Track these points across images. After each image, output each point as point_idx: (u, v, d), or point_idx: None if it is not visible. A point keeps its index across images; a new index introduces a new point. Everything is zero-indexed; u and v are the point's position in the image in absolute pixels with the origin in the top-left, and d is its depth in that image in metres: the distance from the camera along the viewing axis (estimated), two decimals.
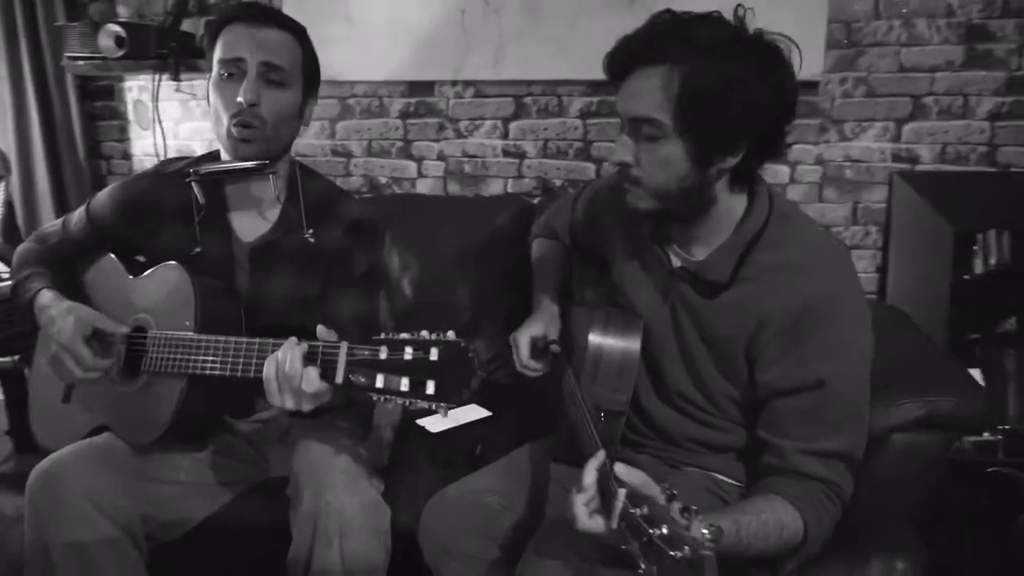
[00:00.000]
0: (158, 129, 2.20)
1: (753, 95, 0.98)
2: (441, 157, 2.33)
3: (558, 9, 2.12)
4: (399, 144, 2.34)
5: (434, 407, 0.93)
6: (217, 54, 1.22)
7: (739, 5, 1.05)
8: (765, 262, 1.07)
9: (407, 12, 2.17)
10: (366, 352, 0.96)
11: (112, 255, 1.38)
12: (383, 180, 2.37)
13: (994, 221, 1.87)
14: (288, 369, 0.98)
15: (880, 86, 2.07)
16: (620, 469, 0.84)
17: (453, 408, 0.93)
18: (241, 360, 1.09)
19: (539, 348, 1.34)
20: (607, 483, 0.87)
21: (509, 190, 2.31)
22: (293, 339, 1.02)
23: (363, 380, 0.96)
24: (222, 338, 1.11)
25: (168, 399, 1.19)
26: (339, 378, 0.97)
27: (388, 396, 0.94)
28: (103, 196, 1.40)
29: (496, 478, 1.24)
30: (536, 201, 2.11)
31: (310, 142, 2.36)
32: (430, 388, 0.92)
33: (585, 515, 0.87)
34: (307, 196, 1.33)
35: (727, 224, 1.11)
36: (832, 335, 1.02)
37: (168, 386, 1.20)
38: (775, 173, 2.15)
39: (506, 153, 2.29)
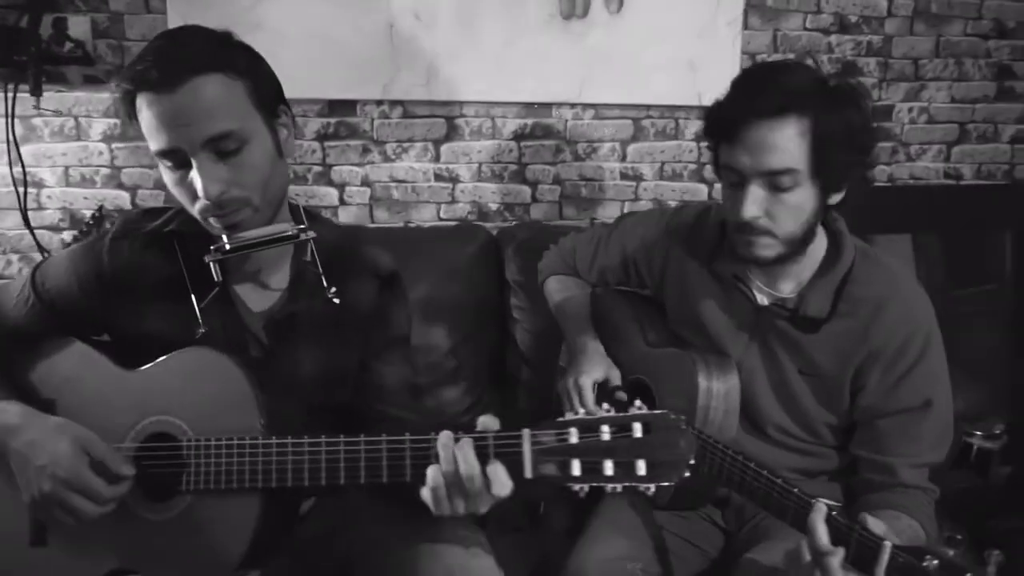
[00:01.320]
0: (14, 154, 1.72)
1: (863, 132, 1.06)
2: (366, 182, 2.12)
3: (494, 27, 2.04)
4: (317, 169, 2.09)
5: (649, 489, 0.84)
6: (149, 142, 0.94)
7: (809, 52, 1.11)
8: (860, 296, 1.13)
9: (329, 22, 1.93)
10: (552, 437, 0.85)
11: (80, 342, 1.06)
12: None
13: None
14: (465, 470, 0.83)
15: None
16: (871, 520, 0.85)
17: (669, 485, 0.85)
18: (367, 464, 0.90)
19: (606, 393, 1.29)
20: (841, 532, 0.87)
21: (442, 216, 2.18)
22: (448, 433, 0.87)
23: (556, 471, 0.85)
24: (335, 440, 0.91)
25: (237, 523, 0.94)
26: (528, 472, 0.85)
27: (588, 484, 0.84)
28: (59, 268, 1.08)
29: (619, 540, 1.17)
30: (495, 230, 2.04)
31: None
32: (641, 468, 0.83)
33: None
34: (320, 248, 1.09)
35: (812, 260, 1.17)
36: (934, 360, 1.12)
37: (232, 507, 0.95)
38: (695, 191, 2.29)
39: (437, 177, 2.16)
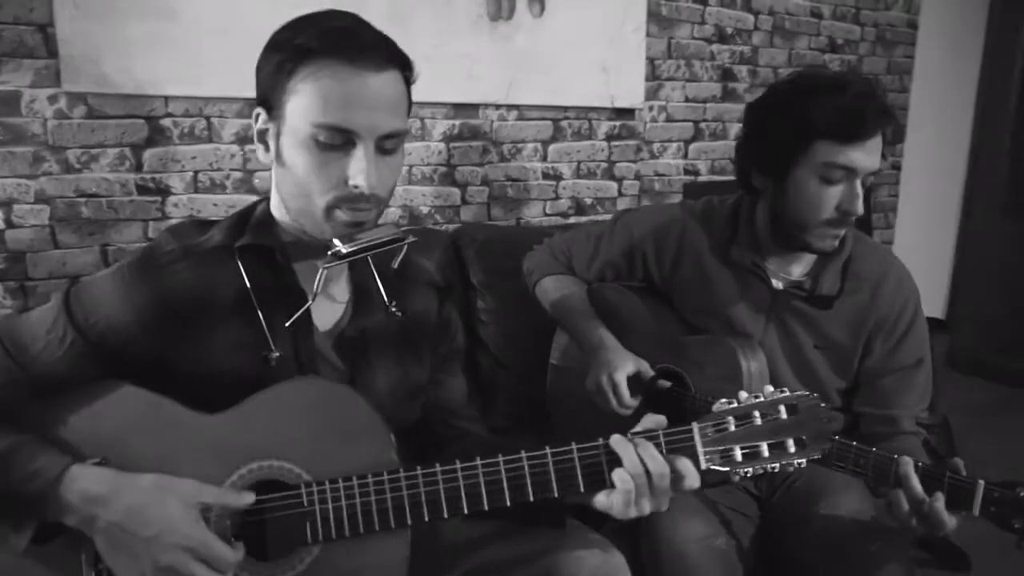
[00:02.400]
0: None
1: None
2: None
3: (426, 28, 1.99)
4: (238, 175, 1.89)
5: (802, 464, 0.91)
6: (311, 113, 0.84)
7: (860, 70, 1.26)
8: (862, 273, 1.30)
9: (250, 12, 1.75)
10: (713, 428, 0.90)
11: (131, 386, 0.89)
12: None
13: None
14: (656, 468, 0.84)
15: (676, 113, 2.50)
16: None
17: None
18: (533, 481, 0.87)
19: (640, 385, 1.34)
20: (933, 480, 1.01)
21: None
22: (618, 436, 0.87)
23: (721, 460, 0.89)
24: (492, 460, 0.86)
25: (384, 568, 0.86)
26: (703, 464, 0.88)
27: (749, 469, 0.90)
28: (107, 296, 0.89)
29: (695, 520, 1.21)
30: (446, 227, 1.99)
31: (103, 176, 1.73)
32: (791, 447, 0.90)
33: None
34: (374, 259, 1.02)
35: None
36: (921, 323, 1.31)
37: (375, 551, 0.86)
38: (607, 188, 2.42)
39: None
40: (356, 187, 0.85)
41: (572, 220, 2.35)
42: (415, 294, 1.08)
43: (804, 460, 0.90)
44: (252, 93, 0.90)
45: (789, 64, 2.71)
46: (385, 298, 1.02)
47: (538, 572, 0.97)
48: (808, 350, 1.32)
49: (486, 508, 0.86)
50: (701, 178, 2.61)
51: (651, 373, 1.35)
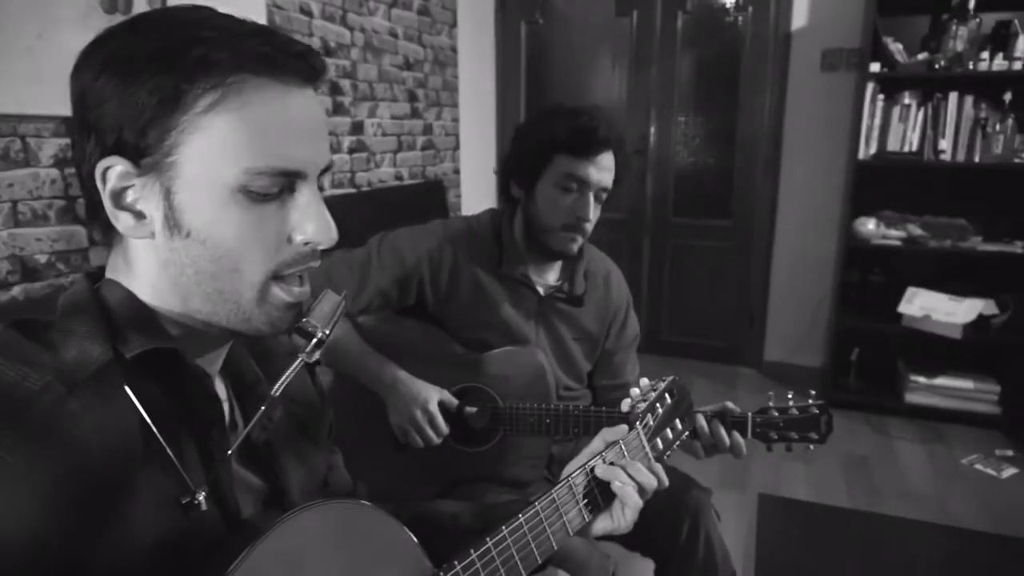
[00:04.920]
0: None
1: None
2: None
3: (21, 18, 1.47)
4: (61, 203, 1.09)
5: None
6: (238, 156, 0.62)
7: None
8: (593, 272, 1.58)
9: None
10: (643, 428, 1.04)
11: None
12: None
13: None
14: (645, 480, 0.93)
15: None
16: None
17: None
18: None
19: (451, 412, 1.37)
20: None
21: None
22: (601, 466, 0.93)
23: (659, 451, 1.04)
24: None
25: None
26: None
27: (670, 450, 1.08)
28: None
29: None
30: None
31: None
32: (678, 424, 1.11)
33: None
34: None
35: None
36: (632, 306, 1.66)
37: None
38: None
39: None
40: (307, 243, 0.67)
41: None
42: (283, 370, 0.89)
43: (689, 430, 1.11)
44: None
45: (379, 79, 2.86)
46: (265, 383, 0.82)
47: None
48: (569, 343, 1.53)
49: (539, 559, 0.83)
50: (325, 192, 2.58)
51: (454, 401, 1.38)
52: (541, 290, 1.49)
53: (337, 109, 2.62)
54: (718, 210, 3.68)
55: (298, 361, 0.69)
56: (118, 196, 0.63)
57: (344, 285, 1.42)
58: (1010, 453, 2.80)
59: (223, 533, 0.68)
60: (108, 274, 0.69)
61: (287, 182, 0.64)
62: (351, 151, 2.72)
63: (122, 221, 0.63)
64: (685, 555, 1.30)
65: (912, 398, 3.09)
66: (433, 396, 1.35)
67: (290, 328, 0.68)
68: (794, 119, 3.35)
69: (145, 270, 0.66)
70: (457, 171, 3.61)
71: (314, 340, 0.68)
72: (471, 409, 1.39)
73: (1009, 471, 2.66)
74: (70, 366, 0.60)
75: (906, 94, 2.96)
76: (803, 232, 3.42)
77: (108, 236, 0.68)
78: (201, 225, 0.62)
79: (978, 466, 2.70)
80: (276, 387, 0.71)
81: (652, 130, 3.70)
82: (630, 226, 3.81)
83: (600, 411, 1.34)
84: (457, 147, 3.59)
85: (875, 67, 2.89)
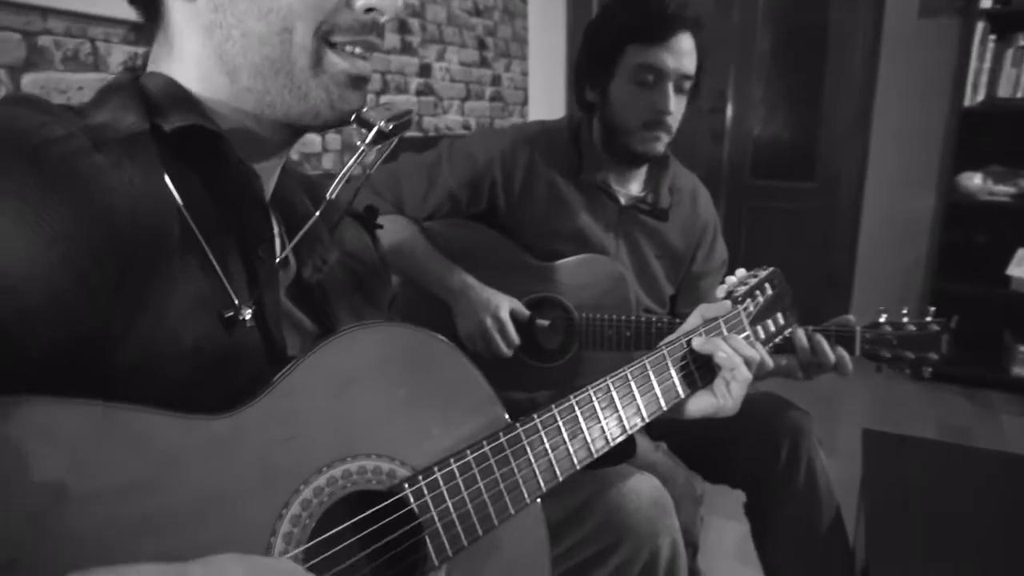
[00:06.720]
0: None
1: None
2: None
3: None
4: None
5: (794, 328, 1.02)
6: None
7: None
8: (680, 186, 1.45)
9: None
10: (744, 310, 0.91)
11: None
12: None
13: None
14: (750, 355, 0.81)
15: None
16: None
17: None
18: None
19: (522, 322, 1.27)
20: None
21: None
22: (699, 339, 0.81)
23: (763, 336, 0.92)
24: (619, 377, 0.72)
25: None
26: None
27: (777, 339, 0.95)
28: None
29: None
30: None
31: None
32: (780, 318, 0.98)
33: None
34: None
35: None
36: (720, 230, 1.52)
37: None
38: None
39: None
40: (370, 9, 0.58)
41: None
42: (343, 226, 0.81)
43: (792, 326, 0.97)
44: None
45: (448, 22, 2.78)
46: (320, 223, 0.74)
47: (602, 518, 0.84)
48: (651, 260, 1.40)
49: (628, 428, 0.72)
50: None
51: (525, 312, 1.28)
52: (623, 200, 1.37)
53: (405, 48, 2.55)
54: (800, 170, 3.45)
55: (359, 151, 0.60)
56: None
57: (411, 185, 1.34)
58: None
59: (265, 363, 0.59)
60: (150, 68, 0.61)
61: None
62: (418, 93, 2.64)
63: None
64: (783, 482, 1.16)
65: (1020, 371, 2.81)
66: (504, 304, 1.24)
67: (354, 113, 0.59)
68: (888, 70, 3.10)
69: (189, 50, 0.58)
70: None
71: (374, 129, 0.59)
72: (544, 321, 1.28)
73: None
74: (99, 124, 0.52)
75: (1020, 35, 2.68)
76: (896, 190, 3.17)
77: (150, 14, 0.60)
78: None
79: None
80: (332, 188, 0.62)
81: (730, 85, 3.50)
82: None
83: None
84: (526, 102, 3.48)
85: (986, 2, 2.63)
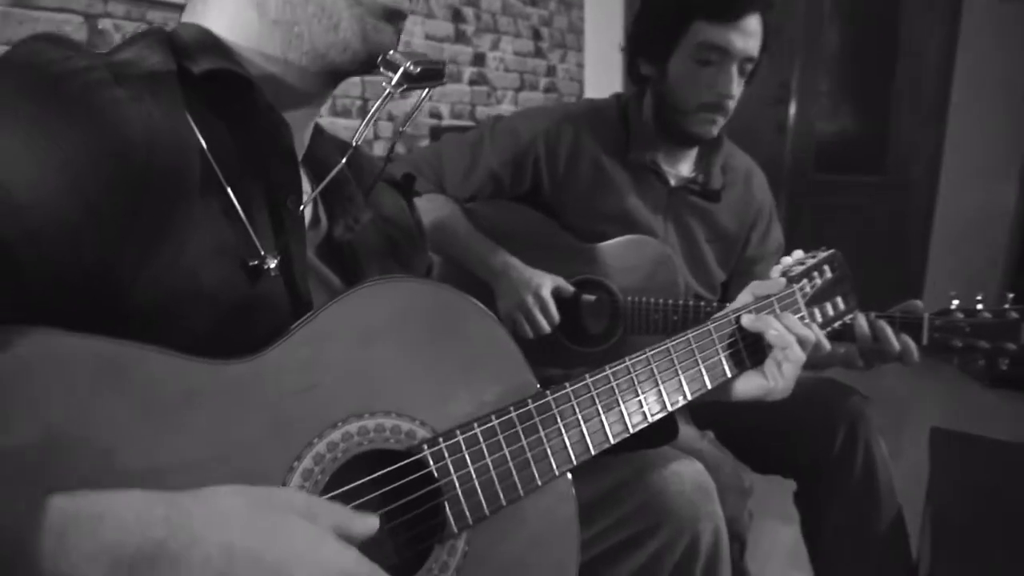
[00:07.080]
0: None
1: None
2: None
3: None
4: None
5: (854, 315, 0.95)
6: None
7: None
8: (733, 167, 1.38)
9: None
10: (801, 291, 0.85)
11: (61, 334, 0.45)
12: None
13: None
14: (804, 334, 0.76)
15: None
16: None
17: None
18: None
19: (566, 301, 1.23)
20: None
21: None
22: (748, 316, 0.77)
23: (821, 320, 0.87)
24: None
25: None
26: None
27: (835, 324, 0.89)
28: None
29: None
30: None
31: None
32: (840, 303, 0.91)
33: None
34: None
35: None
36: (776, 213, 1.45)
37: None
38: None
39: None
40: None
41: None
42: (378, 190, 0.79)
43: (853, 311, 0.91)
44: None
45: (503, 11, 2.76)
46: (353, 185, 0.72)
47: (641, 500, 0.80)
48: (702, 244, 1.35)
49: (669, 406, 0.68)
50: (444, 122, 2.51)
51: (569, 288, 1.24)
52: (672, 180, 1.32)
53: (459, 37, 2.55)
54: (867, 164, 3.30)
55: (385, 94, 0.58)
56: None
57: (453, 163, 1.31)
58: None
59: (289, 316, 0.57)
60: (184, 19, 0.61)
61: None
62: (472, 83, 2.63)
63: None
64: (838, 469, 1.09)
65: None
66: (547, 283, 1.21)
67: (385, 49, 0.57)
68: (966, 59, 2.94)
69: (223, 4, 0.58)
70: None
71: (400, 71, 0.57)
72: (590, 296, 1.24)
73: None
74: (121, 60, 0.51)
75: None
76: (974, 184, 2.99)
77: None
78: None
79: None
80: (357, 133, 0.60)
81: (794, 76, 3.37)
82: None
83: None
84: (581, 95, 3.44)
85: None
